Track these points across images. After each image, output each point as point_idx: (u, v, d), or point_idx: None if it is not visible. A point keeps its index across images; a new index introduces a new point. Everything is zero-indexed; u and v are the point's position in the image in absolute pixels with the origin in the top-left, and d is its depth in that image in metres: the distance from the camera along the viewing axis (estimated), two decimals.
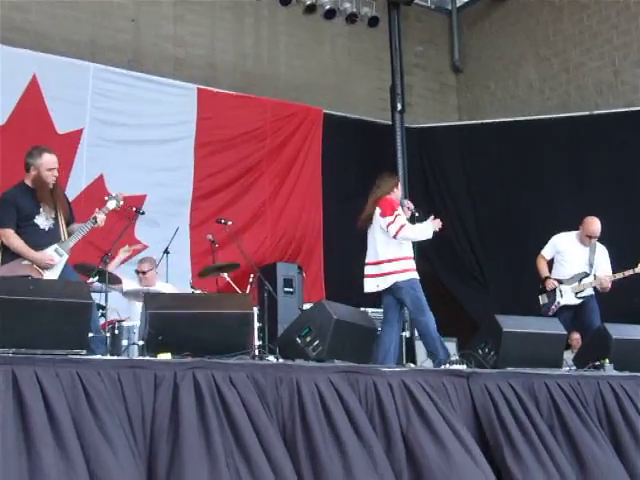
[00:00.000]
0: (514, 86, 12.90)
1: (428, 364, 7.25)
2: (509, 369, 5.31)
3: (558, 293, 7.90)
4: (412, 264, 7.09)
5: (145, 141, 10.07)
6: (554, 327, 6.00)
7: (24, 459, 3.44)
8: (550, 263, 8.14)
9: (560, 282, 7.92)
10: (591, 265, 7.90)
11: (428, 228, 7.11)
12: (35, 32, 10.08)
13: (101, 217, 6.27)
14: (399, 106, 12.13)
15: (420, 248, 7.96)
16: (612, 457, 4.96)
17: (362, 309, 7.42)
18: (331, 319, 4.98)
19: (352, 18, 11.91)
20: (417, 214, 7.31)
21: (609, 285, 7.81)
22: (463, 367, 5.44)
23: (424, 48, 13.55)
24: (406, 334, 9.68)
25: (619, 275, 7.82)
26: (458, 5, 13.65)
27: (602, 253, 8.00)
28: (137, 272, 8.09)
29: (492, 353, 5.51)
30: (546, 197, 10.89)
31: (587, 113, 11.42)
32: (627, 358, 5.95)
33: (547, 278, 7.99)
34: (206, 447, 3.84)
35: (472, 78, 13.59)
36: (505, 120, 12.14)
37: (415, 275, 7.04)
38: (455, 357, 6.28)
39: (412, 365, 6.86)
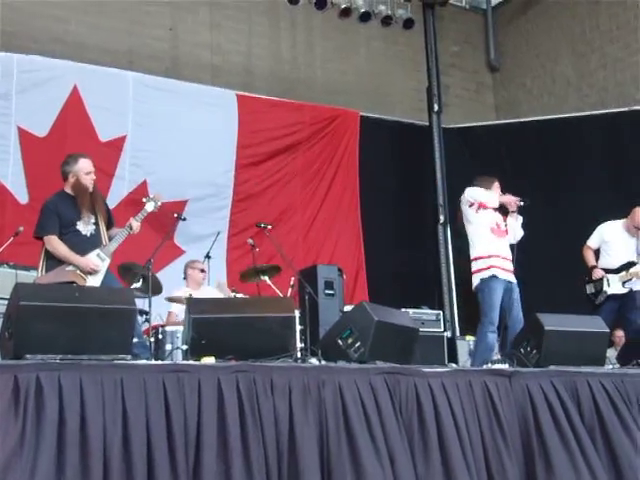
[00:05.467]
0: (551, 83, 12.81)
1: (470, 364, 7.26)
2: (551, 368, 5.28)
3: (605, 282, 7.86)
4: (482, 264, 7.15)
5: (187, 147, 10.14)
6: (597, 325, 5.95)
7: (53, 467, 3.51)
8: (596, 253, 8.09)
9: (607, 272, 7.88)
10: (639, 254, 7.85)
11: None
12: (74, 43, 10.22)
13: (136, 224, 6.35)
14: (436, 107, 12.14)
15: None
16: None
17: (403, 310, 7.41)
18: (372, 321, 4.98)
19: (387, 20, 11.92)
20: (524, 203, 7.37)
21: None
22: (505, 366, 5.42)
23: (460, 48, 13.52)
24: (447, 334, 9.69)
25: None
26: (493, 4, 13.59)
27: None
28: (192, 269, 8.19)
29: (534, 352, 5.48)
30: (585, 195, 10.80)
31: (626, 109, 11.31)
32: None
33: (594, 267, 7.95)
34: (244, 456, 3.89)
35: (508, 76, 13.53)
36: (543, 118, 12.06)
37: (483, 275, 7.10)
38: (498, 356, 6.26)
39: (454, 365, 6.85)
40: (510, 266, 7.18)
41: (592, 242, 8.12)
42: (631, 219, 7.96)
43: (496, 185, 7.51)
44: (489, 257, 7.16)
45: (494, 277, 7.07)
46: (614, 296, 7.84)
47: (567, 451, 4.67)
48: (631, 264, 7.84)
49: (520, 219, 7.40)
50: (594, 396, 5.05)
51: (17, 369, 3.70)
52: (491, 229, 7.29)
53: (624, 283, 7.80)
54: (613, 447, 4.87)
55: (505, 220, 7.38)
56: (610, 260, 7.97)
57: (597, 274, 7.92)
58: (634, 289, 7.84)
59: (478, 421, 4.62)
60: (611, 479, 4.74)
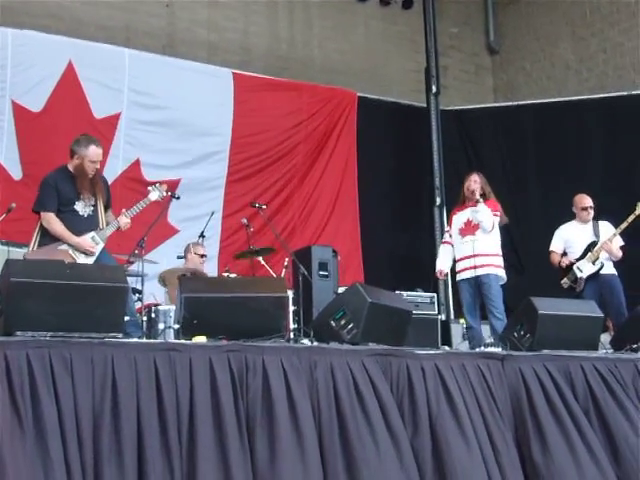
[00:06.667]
0: (550, 67, 12.75)
1: (463, 347, 7.27)
2: (545, 352, 5.28)
3: (576, 270, 8.04)
4: (462, 265, 7.67)
5: (181, 125, 10.09)
6: (591, 309, 5.95)
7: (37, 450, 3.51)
8: (564, 256, 8.24)
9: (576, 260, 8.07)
10: (597, 235, 8.06)
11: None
12: (70, 18, 10.14)
13: (124, 221, 6.31)
14: (434, 88, 12.05)
15: None
16: None
17: (397, 292, 7.40)
18: (365, 302, 4.97)
19: (386, 0, 11.84)
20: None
21: (618, 251, 7.97)
22: (498, 350, 5.41)
23: (459, 29, 13.43)
24: (441, 317, 9.68)
25: (623, 225, 7.95)
26: None
27: (606, 225, 8.14)
28: (192, 254, 8.17)
29: (528, 336, 5.47)
30: (582, 179, 10.76)
31: (625, 93, 11.26)
32: None
33: (560, 261, 8.15)
34: (239, 434, 3.89)
35: (508, 59, 13.46)
36: (541, 101, 12.02)
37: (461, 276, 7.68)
38: (490, 340, 6.27)
39: (447, 348, 6.84)
40: (479, 261, 7.46)
41: (555, 246, 8.33)
42: (575, 207, 8.21)
43: (470, 178, 7.79)
44: (459, 260, 7.70)
45: (460, 280, 7.69)
46: (591, 278, 7.99)
47: (563, 432, 4.69)
48: (593, 244, 8.04)
49: (480, 207, 7.54)
50: (587, 379, 5.07)
51: (7, 346, 3.70)
52: (459, 230, 7.71)
53: (594, 262, 7.96)
54: (609, 427, 4.91)
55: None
56: (577, 253, 8.14)
57: (564, 261, 8.13)
58: (607, 272, 8.00)
59: (477, 402, 4.61)
60: (608, 457, 4.76)
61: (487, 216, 7.52)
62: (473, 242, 7.50)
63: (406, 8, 12.00)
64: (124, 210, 6.37)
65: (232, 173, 10.45)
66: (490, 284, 7.46)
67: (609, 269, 8.03)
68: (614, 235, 7.97)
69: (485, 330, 7.60)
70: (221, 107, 10.41)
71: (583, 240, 8.11)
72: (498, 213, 7.66)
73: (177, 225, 9.68)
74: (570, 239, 8.22)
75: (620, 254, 7.99)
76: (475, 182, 7.71)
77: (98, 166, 6.30)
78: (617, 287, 7.96)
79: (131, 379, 3.83)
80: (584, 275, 7.98)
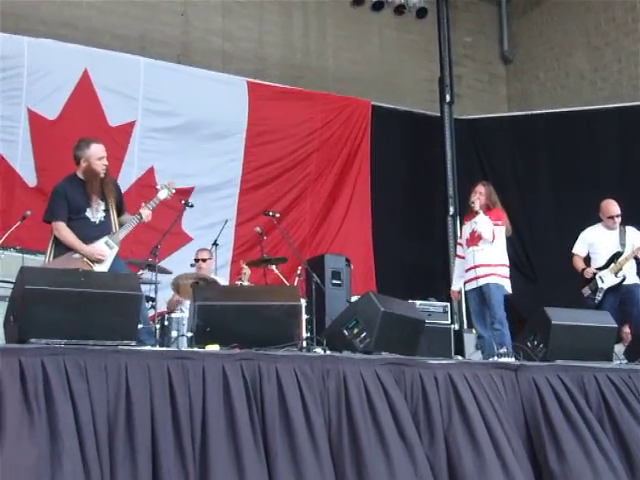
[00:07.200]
0: (564, 76, 12.73)
1: (476, 357, 7.26)
2: (558, 362, 5.26)
3: (598, 280, 7.95)
4: (468, 275, 7.74)
5: (196, 133, 10.14)
6: (605, 320, 5.92)
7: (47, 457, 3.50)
8: (586, 260, 8.17)
9: (598, 270, 7.97)
10: (623, 245, 7.96)
11: None
12: (85, 27, 10.19)
13: (146, 213, 6.29)
14: (448, 97, 12.06)
15: None
16: None
17: (410, 301, 7.40)
18: (378, 311, 4.96)
19: (400, 9, 11.84)
20: None
21: None
22: (512, 360, 5.40)
23: (473, 39, 13.43)
24: (454, 326, 9.67)
25: None
26: None
27: (633, 232, 8.06)
28: (196, 260, 8.22)
29: (541, 346, 5.46)
30: (596, 189, 10.71)
31: None
32: None
33: (584, 269, 8.06)
34: (254, 440, 3.89)
35: (522, 68, 13.44)
36: (556, 111, 11.99)
37: (468, 287, 7.77)
38: (504, 349, 6.25)
39: (459, 358, 6.83)
40: (480, 271, 7.51)
41: (578, 249, 8.23)
42: (602, 214, 8.08)
43: (475, 189, 7.80)
44: (466, 271, 7.74)
45: (467, 291, 7.78)
46: (611, 290, 7.92)
47: (579, 440, 4.68)
48: (618, 254, 7.94)
49: (479, 217, 7.55)
50: (601, 389, 5.06)
51: (21, 352, 3.71)
52: (466, 241, 7.77)
53: (616, 274, 7.87)
54: (624, 437, 4.90)
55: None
56: (599, 259, 8.07)
57: (588, 273, 8.03)
58: (629, 282, 7.91)
59: (490, 411, 4.59)
60: (623, 466, 4.73)
61: (486, 227, 7.51)
62: (475, 253, 7.55)
63: (420, 17, 11.98)
64: (143, 204, 6.37)
65: (246, 181, 10.47)
66: (490, 294, 7.46)
67: (631, 279, 7.94)
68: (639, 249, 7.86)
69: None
70: (235, 115, 10.44)
71: (608, 247, 8.01)
72: (500, 222, 7.62)
73: (191, 233, 9.70)
74: (595, 244, 8.12)
75: None
76: (476, 193, 7.72)
77: (106, 162, 6.25)
78: (638, 297, 7.88)
79: (145, 387, 3.83)
80: (605, 286, 7.90)
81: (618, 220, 8.04)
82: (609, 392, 5.06)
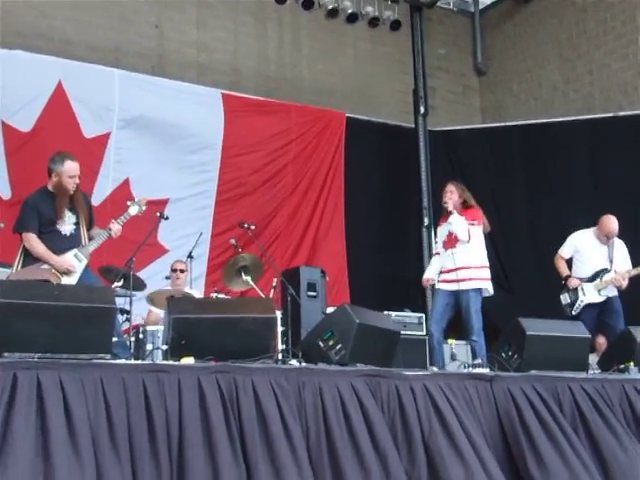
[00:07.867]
0: (537, 88, 12.82)
1: (452, 367, 7.28)
2: (533, 372, 5.29)
3: (580, 292, 7.93)
4: (444, 277, 7.65)
5: (171, 145, 10.13)
6: (578, 330, 5.97)
7: (40, 466, 3.46)
8: (569, 262, 8.14)
9: (581, 280, 7.94)
10: (611, 261, 7.94)
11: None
12: (60, 39, 10.15)
13: (116, 227, 6.32)
14: (422, 109, 12.15)
15: None
16: (637, 460, 4.92)
17: (385, 312, 7.41)
18: (353, 323, 4.98)
19: (374, 22, 11.94)
20: None
21: (626, 282, 7.84)
22: (486, 370, 5.42)
23: (447, 51, 13.50)
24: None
25: (634, 272, 7.83)
26: (481, 7, 13.53)
27: (621, 248, 8.04)
28: (173, 270, 8.18)
29: (516, 356, 5.49)
30: (570, 200, 10.82)
31: (611, 115, 11.34)
32: None
33: (569, 277, 8.00)
34: (232, 451, 3.88)
35: (495, 80, 13.53)
36: (529, 122, 12.08)
37: (441, 286, 7.68)
38: (478, 361, 6.27)
39: (435, 369, 6.85)
40: (461, 274, 7.43)
41: (565, 252, 8.20)
42: (599, 228, 8.02)
43: (446, 189, 7.71)
44: (442, 272, 7.67)
45: (439, 289, 7.71)
46: (591, 304, 7.91)
47: (556, 447, 4.70)
48: (604, 271, 7.92)
49: (453, 218, 7.49)
50: (575, 399, 5.09)
51: None
52: (443, 242, 7.69)
53: (600, 291, 7.84)
54: (598, 446, 4.92)
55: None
56: (584, 268, 8.04)
57: (573, 283, 7.99)
58: (610, 295, 7.91)
59: (466, 419, 4.61)
60: (598, 472, 4.76)
61: (461, 226, 7.45)
62: (455, 255, 7.46)
63: (394, 30, 12.08)
64: (113, 219, 6.37)
65: (221, 192, 10.46)
66: (469, 302, 7.39)
67: (611, 292, 7.93)
68: (627, 273, 7.83)
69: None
70: (211, 127, 10.44)
71: (594, 258, 7.99)
72: (475, 222, 7.54)
73: (167, 245, 9.68)
74: (582, 252, 8.09)
75: (626, 284, 7.88)
76: (447, 193, 7.63)
77: (77, 181, 6.26)
78: (617, 309, 7.89)
79: (121, 400, 3.82)
80: (586, 300, 7.90)
81: (613, 239, 8.00)
82: (583, 402, 5.09)
